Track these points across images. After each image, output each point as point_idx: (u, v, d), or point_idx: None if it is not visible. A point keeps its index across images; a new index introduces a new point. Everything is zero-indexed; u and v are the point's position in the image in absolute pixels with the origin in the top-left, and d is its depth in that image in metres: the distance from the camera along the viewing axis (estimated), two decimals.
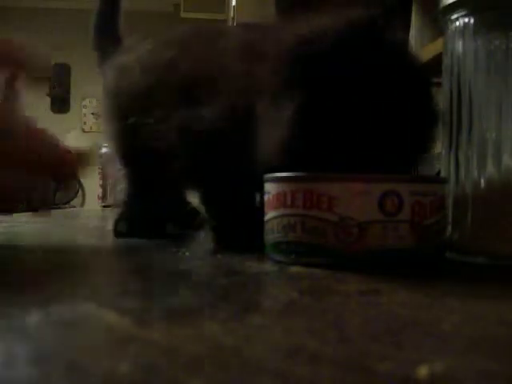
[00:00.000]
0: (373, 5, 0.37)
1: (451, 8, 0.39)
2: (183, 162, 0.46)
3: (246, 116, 0.40)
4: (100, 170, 1.84)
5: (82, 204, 4.21)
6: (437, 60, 0.43)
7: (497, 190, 0.38)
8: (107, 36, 0.61)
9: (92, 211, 1.63)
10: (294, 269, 0.33)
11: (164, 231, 0.55)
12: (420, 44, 1.78)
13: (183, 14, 3.11)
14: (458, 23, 0.39)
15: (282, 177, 0.36)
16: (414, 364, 0.16)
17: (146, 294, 0.28)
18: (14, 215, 1.15)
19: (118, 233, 0.54)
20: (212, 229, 0.47)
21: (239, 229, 0.46)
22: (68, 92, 4.31)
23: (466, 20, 0.39)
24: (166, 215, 0.57)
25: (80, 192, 4.24)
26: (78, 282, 0.30)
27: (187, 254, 0.41)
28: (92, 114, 4.13)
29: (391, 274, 0.32)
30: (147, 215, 0.54)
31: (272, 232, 0.37)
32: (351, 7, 0.37)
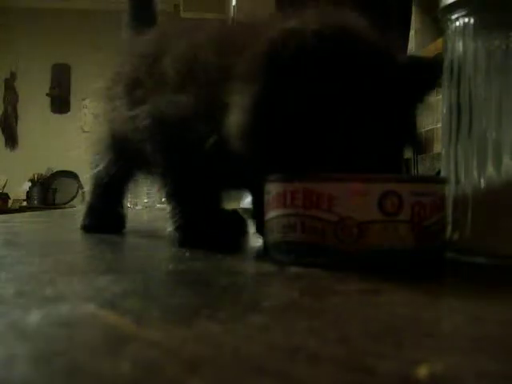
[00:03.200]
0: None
1: (451, 8, 0.39)
2: (151, 157, 0.47)
3: (215, 112, 0.40)
4: None
5: (82, 204, 4.21)
6: (438, 57, 0.43)
7: (497, 190, 0.38)
8: (142, 20, 0.63)
9: None
10: (294, 269, 0.33)
11: (123, 226, 0.59)
12: (420, 44, 1.78)
13: (183, 14, 3.11)
14: (458, 23, 0.39)
15: (282, 177, 0.36)
16: (413, 364, 0.16)
17: (146, 294, 0.28)
18: (15, 215, 1.15)
19: (84, 227, 0.59)
20: (176, 228, 0.46)
21: (203, 230, 0.46)
22: (68, 92, 4.31)
23: (466, 20, 0.39)
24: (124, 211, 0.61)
25: (80, 192, 4.24)
26: (78, 282, 0.30)
27: (187, 254, 0.41)
28: (92, 114, 4.13)
29: (391, 274, 0.32)
30: (109, 211, 0.59)
31: (272, 232, 0.37)
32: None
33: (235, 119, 0.38)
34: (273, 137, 0.37)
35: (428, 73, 0.39)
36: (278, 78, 0.36)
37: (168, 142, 0.46)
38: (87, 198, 0.63)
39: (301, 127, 0.36)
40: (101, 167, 0.57)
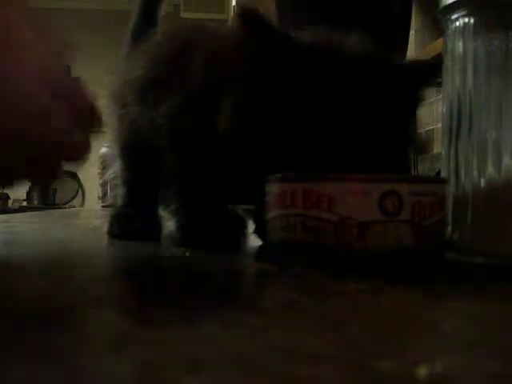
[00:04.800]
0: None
1: (451, 8, 0.39)
2: (166, 158, 0.47)
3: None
4: (100, 170, 1.84)
5: (82, 204, 4.21)
6: (437, 60, 0.43)
7: (497, 190, 0.38)
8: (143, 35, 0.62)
9: (92, 211, 1.63)
10: (294, 269, 0.33)
11: (160, 234, 0.53)
12: (420, 44, 1.78)
13: (183, 14, 3.11)
14: (458, 23, 0.39)
15: (282, 177, 0.36)
16: (414, 363, 0.16)
17: (146, 294, 0.28)
18: (15, 215, 1.15)
19: (112, 233, 0.54)
20: (178, 228, 0.46)
21: (204, 230, 0.45)
22: None
23: (466, 20, 0.39)
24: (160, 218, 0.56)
25: (80, 192, 4.24)
26: (78, 282, 0.30)
27: (187, 254, 0.41)
28: None
29: (391, 274, 0.32)
30: (144, 217, 0.54)
31: (272, 232, 0.37)
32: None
33: (222, 117, 0.40)
34: (251, 135, 0.38)
35: (415, 75, 0.41)
36: (254, 77, 0.39)
37: (179, 141, 0.46)
38: (116, 202, 0.58)
39: (275, 128, 0.38)
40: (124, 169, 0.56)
